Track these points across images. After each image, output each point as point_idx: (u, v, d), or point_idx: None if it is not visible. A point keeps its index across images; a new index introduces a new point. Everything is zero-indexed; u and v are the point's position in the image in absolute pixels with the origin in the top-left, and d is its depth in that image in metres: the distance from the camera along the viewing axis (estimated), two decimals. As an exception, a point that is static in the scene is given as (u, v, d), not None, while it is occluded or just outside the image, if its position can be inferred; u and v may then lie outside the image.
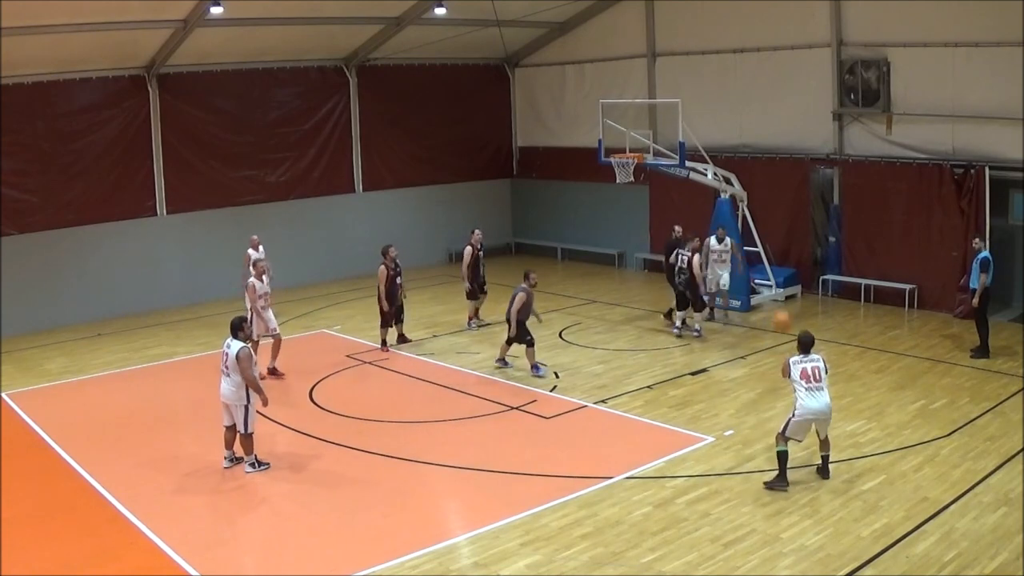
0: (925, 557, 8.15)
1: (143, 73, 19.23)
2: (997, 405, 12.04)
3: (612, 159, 17.25)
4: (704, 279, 16.22)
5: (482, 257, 16.99)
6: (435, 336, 16.63)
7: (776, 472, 9.74)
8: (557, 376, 13.91)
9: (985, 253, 14.20)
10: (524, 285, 14.09)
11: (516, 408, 12.68)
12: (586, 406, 12.66)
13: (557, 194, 24.33)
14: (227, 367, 10.45)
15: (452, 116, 24.08)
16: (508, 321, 14.04)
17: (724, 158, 19.34)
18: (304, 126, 21.76)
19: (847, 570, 8.00)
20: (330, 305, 19.39)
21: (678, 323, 16.08)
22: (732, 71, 20.09)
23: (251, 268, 17.53)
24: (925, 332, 15.89)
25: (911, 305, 17.33)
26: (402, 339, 16.03)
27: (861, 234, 18.17)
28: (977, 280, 14.01)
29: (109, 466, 10.96)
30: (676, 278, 15.92)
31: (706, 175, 17.66)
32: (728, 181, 18.11)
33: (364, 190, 22.93)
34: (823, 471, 9.91)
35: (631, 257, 22.72)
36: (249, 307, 14.32)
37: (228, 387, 10.48)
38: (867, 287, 17.96)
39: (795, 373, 9.59)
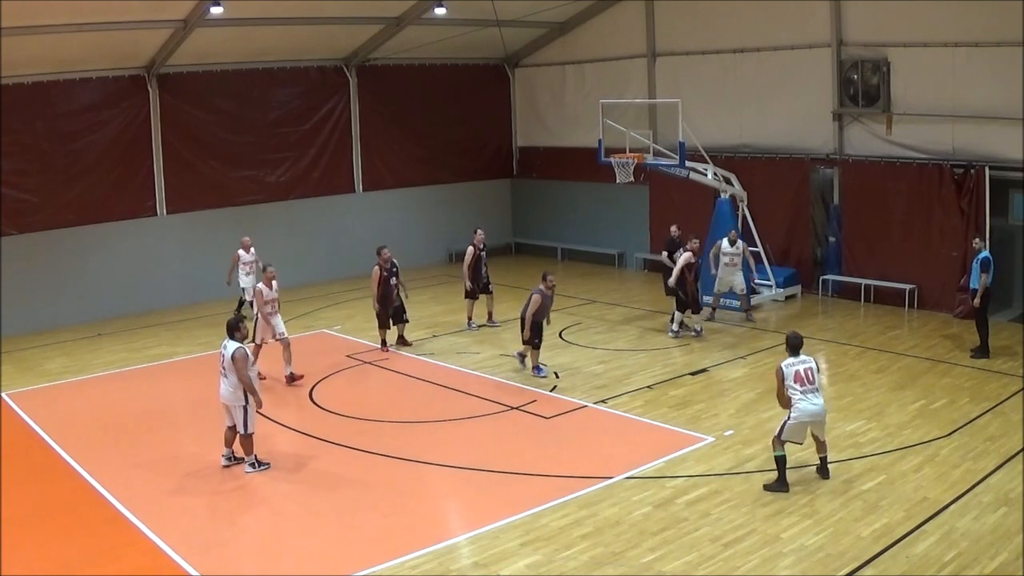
0: (925, 557, 8.15)
1: (143, 73, 19.24)
2: (997, 405, 12.03)
3: (612, 159, 17.25)
4: (715, 279, 16.25)
5: (484, 257, 16.90)
6: (435, 336, 16.63)
7: (776, 475, 9.72)
8: (557, 376, 13.91)
9: (985, 253, 14.20)
10: (541, 287, 13.88)
11: (516, 408, 12.69)
12: (586, 406, 12.66)
13: (557, 194, 24.33)
14: (224, 368, 10.47)
15: (452, 116, 24.08)
16: (522, 320, 13.91)
17: (724, 158, 19.34)
18: (304, 126, 21.76)
19: (847, 570, 8.00)
20: (330, 305, 19.39)
21: (674, 326, 16.04)
22: (732, 71, 20.09)
23: (239, 268, 17.66)
24: (925, 332, 15.89)
25: (911, 305, 17.33)
26: (402, 341, 15.94)
27: (861, 234, 18.17)
28: (978, 280, 14.00)
29: (109, 466, 10.96)
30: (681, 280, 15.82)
31: (706, 175, 17.66)
32: (728, 181, 18.12)
33: (364, 190, 22.93)
34: (823, 471, 9.91)
35: (631, 257, 22.73)
36: (256, 312, 14.19)
37: (226, 388, 10.49)
38: (867, 287, 17.96)
39: (789, 377, 9.54)
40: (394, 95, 23.07)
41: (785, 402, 9.61)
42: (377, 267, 15.33)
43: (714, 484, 9.93)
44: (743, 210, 18.34)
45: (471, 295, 16.84)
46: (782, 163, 19.21)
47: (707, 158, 17.90)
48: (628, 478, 10.17)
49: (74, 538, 9.23)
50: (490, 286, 17.05)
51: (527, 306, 13.78)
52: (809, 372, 9.60)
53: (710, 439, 11.26)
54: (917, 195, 17.13)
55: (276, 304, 14.16)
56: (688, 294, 15.75)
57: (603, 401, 12.82)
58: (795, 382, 9.52)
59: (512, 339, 16.19)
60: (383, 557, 8.53)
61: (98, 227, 18.86)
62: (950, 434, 11.10)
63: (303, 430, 12.13)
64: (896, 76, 17.29)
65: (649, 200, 21.73)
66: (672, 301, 16.20)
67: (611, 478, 10.15)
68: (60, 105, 18.27)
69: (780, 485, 9.64)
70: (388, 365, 15.04)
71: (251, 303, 18.08)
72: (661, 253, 17.82)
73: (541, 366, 14.02)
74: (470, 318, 17.01)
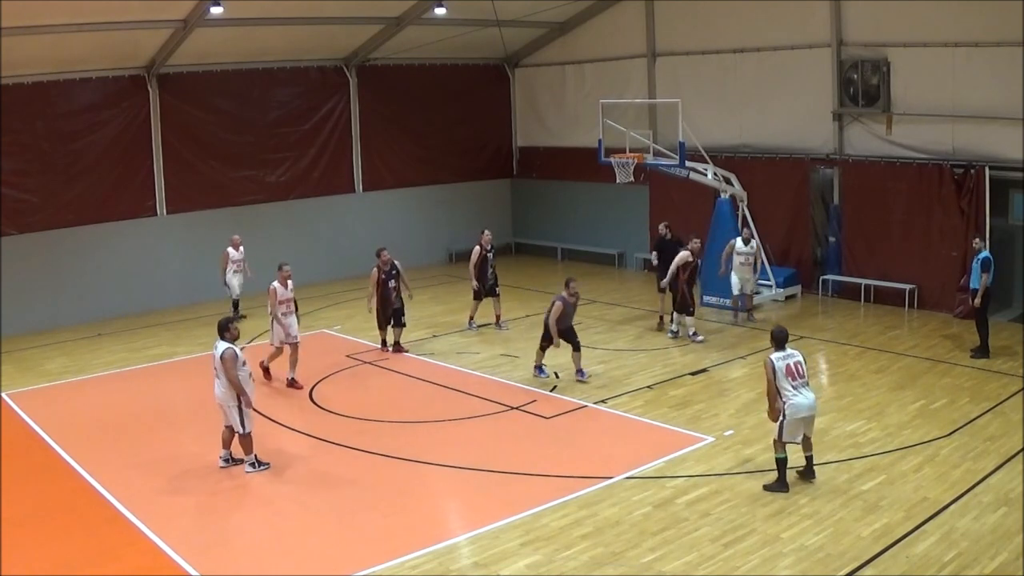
0: (925, 557, 8.15)
1: (143, 73, 19.24)
2: (997, 405, 12.03)
3: (612, 159, 17.25)
4: (731, 281, 16.31)
5: (491, 259, 16.66)
6: (435, 336, 16.62)
7: (776, 476, 9.71)
8: (557, 376, 13.91)
9: (986, 253, 14.21)
10: (563, 293, 13.50)
11: (516, 408, 12.68)
12: (586, 406, 12.65)
13: (557, 194, 24.33)
14: (216, 368, 10.49)
15: (452, 116, 24.08)
16: (546, 326, 13.66)
17: (724, 158, 19.33)
18: (304, 126, 21.76)
19: (847, 570, 8.00)
20: (330, 305, 19.39)
21: (674, 326, 16.02)
22: (732, 71, 20.09)
23: (230, 266, 17.67)
24: (925, 332, 15.89)
25: (911, 305, 17.33)
26: (397, 348, 15.62)
27: (861, 234, 18.17)
28: (978, 280, 14.00)
29: (109, 466, 10.96)
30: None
31: (706, 175, 17.65)
32: (728, 181, 18.11)
33: (364, 190, 22.93)
34: (809, 472, 9.82)
35: (631, 257, 22.72)
36: (269, 312, 13.97)
37: (219, 388, 10.51)
38: (867, 287, 17.96)
39: (781, 371, 9.49)
40: (394, 95, 23.06)
41: (774, 396, 9.55)
42: (376, 269, 15.25)
43: (714, 484, 9.93)
44: (743, 210, 18.34)
45: (476, 296, 16.75)
46: (782, 163, 19.21)
47: (707, 158, 17.89)
48: (628, 478, 10.17)
49: (74, 538, 9.23)
50: (497, 288, 16.95)
51: (548, 312, 13.57)
52: (798, 366, 9.58)
53: (710, 439, 11.26)
54: (917, 195, 17.13)
55: (292, 304, 13.89)
56: (679, 295, 15.57)
57: (603, 401, 12.82)
58: (787, 376, 9.50)
59: (513, 340, 16.21)
60: (383, 557, 8.53)
61: (98, 227, 18.85)
62: (950, 434, 11.10)
63: (303, 430, 12.13)
64: (896, 76, 17.29)
65: (649, 200, 21.71)
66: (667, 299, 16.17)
67: (611, 478, 10.15)
68: (60, 105, 18.26)
69: (780, 485, 9.64)
70: (388, 365, 15.03)
71: (235, 302, 18.19)
72: (651, 252, 17.72)
73: (543, 367, 13.91)
74: (471, 318, 16.98)
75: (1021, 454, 10.33)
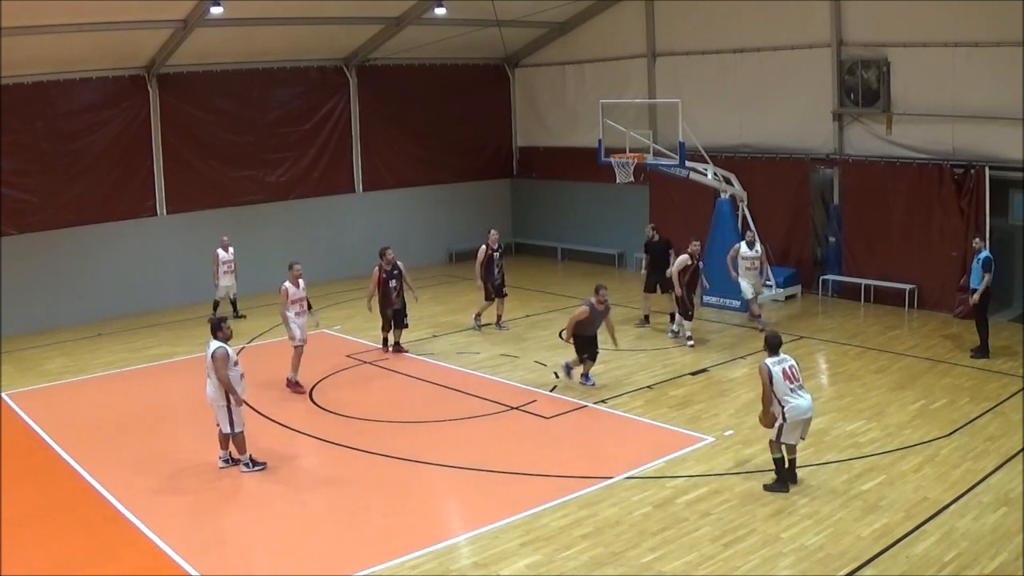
0: (925, 557, 8.15)
1: (143, 73, 19.23)
2: (997, 405, 12.03)
3: (612, 159, 17.24)
4: (742, 287, 16.21)
5: (497, 259, 16.55)
6: (435, 336, 16.62)
7: (775, 477, 9.72)
8: (557, 376, 13.91)
9: (986, 253, 14.21)
10: (592, 299, 13.18)
11: (516, 408, 12.68)
12: (586, 406, 12.65)
13: (557, 194, 24.33)
14: (207, 368, 10.49)
15: (452, 116, 24.07)
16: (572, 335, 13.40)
17: (724, 158, 19.32)
18: (304, 126, 21.76)
19: (847, 570, 8.00)
20: (330, 305, 19.38)
21: (675, 326, 16.02)
22: (732, 71, 20.09)
23: (220, 267, 17.66)
24: (925, 332, 15.89)
25: (911, 305, 17.33)
26: (397, 348, 15.61)
27: (861, 234, 18.17)
28: (979, 280, 14.00)
29: (109, 466, 10.96)
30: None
31: (706, 175, 17.65)
32: (728, 181, 18.10)
33: (364, 190, 22.93)
34: (791, 475, 9.76)
35: (631, 257, 22.69)
36: (283, 312, 13.71)
37: (210, 388, 10.51)
38: (867, 287, 17.96)
39: (778, 376, 9.48)
40: (394, 95, 23.06)
41: (768, 401, 9.52)
42: (378, 268, 15.22)
43: (714, 484, 9.93)
44: (743, 210, 18.34)
45: (487, 297, 16.65)
46: (782, 163, 19.21)
47: (707, 158, 17.89)
48: (628, 478, 10.17)
49: (74, 538, 9.22)
50: (504, 289, 16.86)
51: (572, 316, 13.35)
52: (793, 369, 9.61)
53: (710, 439, 11.26)
54: (917, 195, 17.13)
55: (304, 304, 13.66)
56: (676, 299, 15.50)
57: (603, 401, 12.82)
58: (784, 380, 9.50)
59: (514, 340, 16.21)
60: (383, 557, 8.52)
61: (98, 227, 18.85)
62: (950, 434, 11.10)
63: (303, 430, 12.13)
64: (896, 76, 17.29)
65: (649, 200, 21.71)
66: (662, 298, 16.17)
67: (611, 478, 10.15)
68: (60, 105, 18.26)
69: (780, 486, 9.64)
70: (388, 365, 15.03)
71: (232, 302, 18.20)
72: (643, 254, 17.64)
73: (571, 366, 13.62)
74: (478, 315, 16.91)
75: (1021, 454, 10.33)
